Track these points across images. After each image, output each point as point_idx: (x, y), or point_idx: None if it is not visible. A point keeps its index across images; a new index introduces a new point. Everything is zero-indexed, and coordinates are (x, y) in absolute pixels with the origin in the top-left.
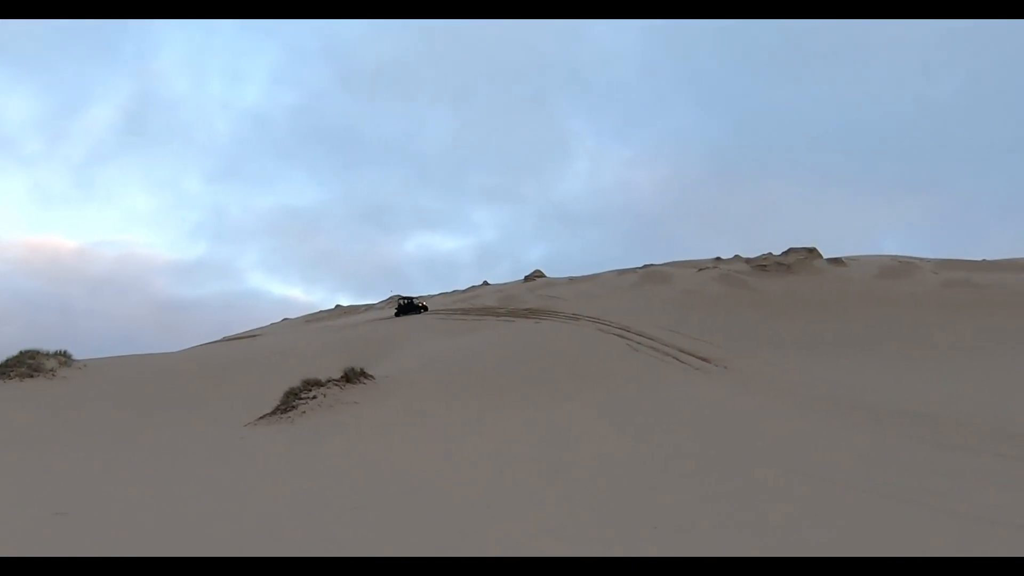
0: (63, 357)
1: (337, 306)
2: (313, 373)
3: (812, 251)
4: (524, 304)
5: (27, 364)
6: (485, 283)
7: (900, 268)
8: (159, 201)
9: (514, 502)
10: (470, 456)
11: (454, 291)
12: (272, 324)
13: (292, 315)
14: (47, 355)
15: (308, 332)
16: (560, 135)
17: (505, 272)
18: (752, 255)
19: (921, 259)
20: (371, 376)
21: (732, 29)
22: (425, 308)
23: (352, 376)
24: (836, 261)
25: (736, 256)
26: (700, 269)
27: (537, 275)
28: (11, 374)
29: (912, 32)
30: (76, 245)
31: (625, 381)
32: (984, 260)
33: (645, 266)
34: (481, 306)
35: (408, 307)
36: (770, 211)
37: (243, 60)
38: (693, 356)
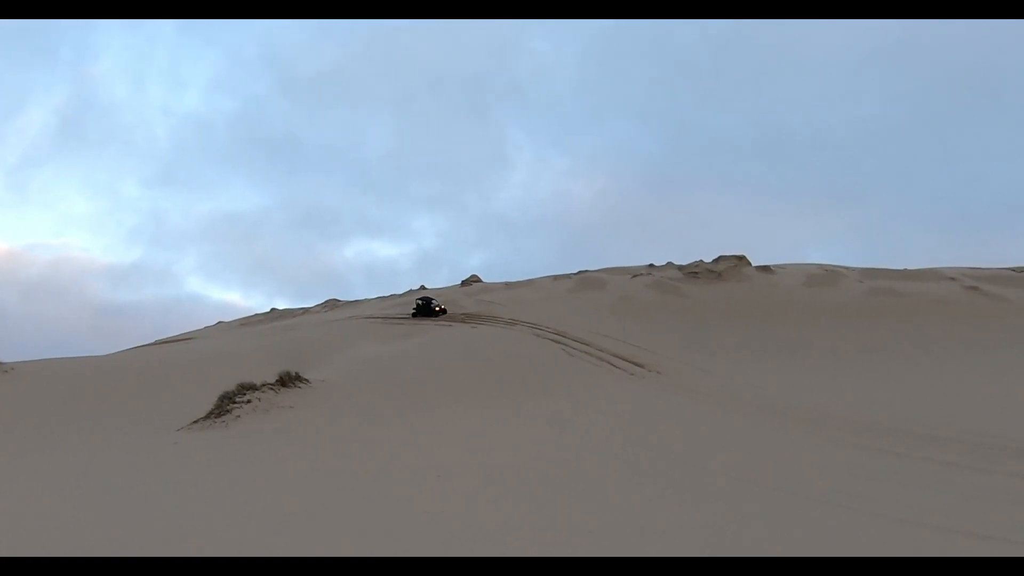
0: None
1: (273, 309)
2: (248, 377)
3: (742, 259)
4: (461, 308)
5: None
6: (423, 287)
7: (827, 276)
8: (96, 205)
9: (448, 507)
10: (406, 462)
11: (392, 295)
12: (206, 327)
13: (227, 318)
14: None
15: (243, 335)
16: (499, 146)
17: (444, 278)
18: (684, 262)
19: (847, 268)
20: (307, 380)
21: (667, 44)
22: (443, 311)
23: (287, 380)
24: (765, 269)
25: (669, 263)
26: (634, 276)
27: (474, 280)
28: None
29: (839, 51)
30: (7, 248)
31: (560, 387)
32: (906, 269)
33: (580, 272)
34: None
35: (425, 308)
36: (701, 221)
37: (184, 65)
38: (627, 361)
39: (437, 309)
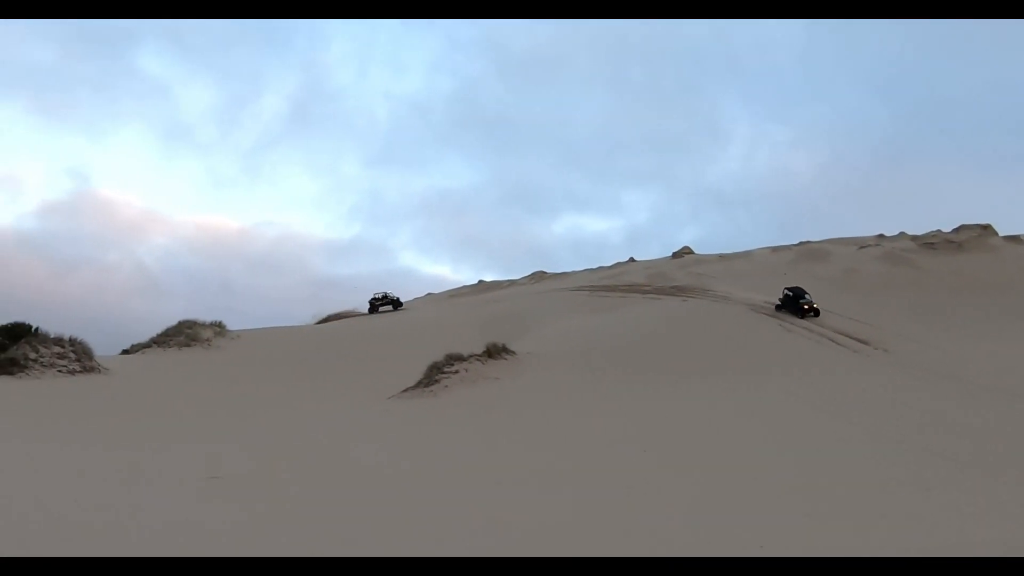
0: (218, 328)
1: (480, 281)
2: (456, 348)
3: (987, 228)
4: (672, 281)
5: (185, 334)
6: (631, 259)
7: None
8: (319, 184)
9: (653, 487)
10: (611, 436)
11: (599, 267)
12: (416, 299)
13: (436, 291)
14: (203, 325)
15: (451, 307)
16: (714, 119)
17: (655, 252)
18: (919, 232)
19: None
20: (513, 352)
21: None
22: (815, 311)
23: (494, 352)
24: (1014, 239)
25: (901, 233)
26: (861, 247)
27: (686, 252)
28: (170, 343)
29: None
30: (239, 225)
31: (774, 366)
32: None
33: (801, 243)
34: (627, 283)
35: (791, 303)
36: (939, 194)
37: (405, 50)
38: (850, 338)
39: (806, 308)
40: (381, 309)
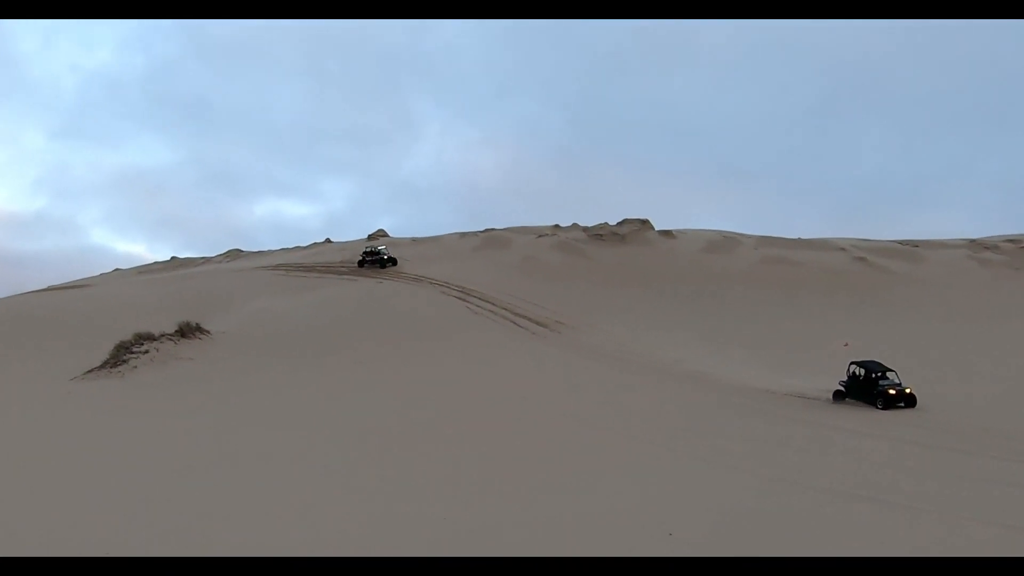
0: None
1: (173, 258)
2: (146, 327)
3: (645, 223)
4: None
5: None
6: (328, 240)
7: (724, 243)
8: None
9: (326, 461)
10: (303, 419)
11: (296, 247)
12: (103, 274)
13: (125, 266)
14: None
15: (141, 284)
16: (408, 116)
17: (351, 236)
18: (589, 224)
19: (744, 235)
20: (207, 331)
21: (570, 32)
22: (393, 261)
23: (187, 331)
24: (667, 233)
25: (574, 224)
26: (539, 236)
27: (380, 234)
28: None
29: (729, 45)
30: None
31: (460, 345)
32: (799, 239)
33: (487, 230)
34: (324, 263)
35: (372, 256)
36: (605, 193)
37: (94, 26)
38: (530, 320)
39: (386, 258)
40: (368, 262)
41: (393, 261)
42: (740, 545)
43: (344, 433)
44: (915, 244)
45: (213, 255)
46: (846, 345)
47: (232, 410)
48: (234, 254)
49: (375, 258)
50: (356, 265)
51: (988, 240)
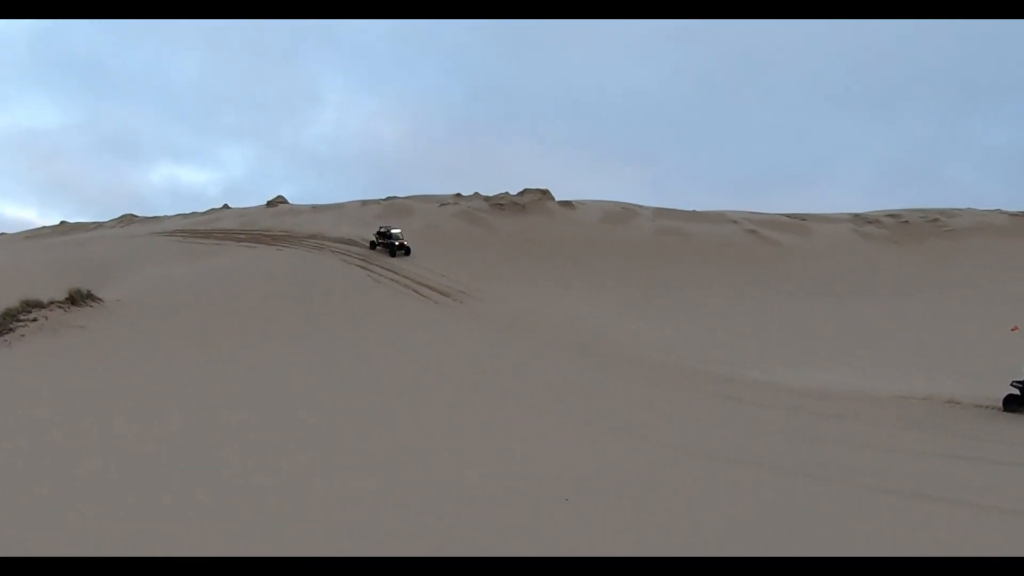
0: None
1: (63, 222)
2: (34, 293)
3: (545, 193)
4: (267, 231)
5: None
6: (226, 206)
7: (623, 214)
8: None
9: (226, 437)
10: (199, 391)
11: (193, 213)
12: None
13: (12, 231)
14: None
15: (29, 249)
16: (310, 85)
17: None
18: (490, 194)
19: (641, 207)
20: (100, 299)
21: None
22: (406, 249)
23: (79, 298)
24: (567, 204)
25: (476, 193)
26: (441, 204)
27: (280, 201)
28: None
29: (622, 30)
30: None
31: (361, 314)
32: (694, 211)
33: (389, 198)
34: (221, 229)
35: (385, 239)
36: (507, 164)
37: None
38: (432, 290)
39: (397, 244)
40: (380, 245)
41: (407, 250)
42: (635, 513)
43: (235, 410)
44: (803, 218)
45: (106, 220)
46: (1014, 329)
47: (119, 384)
48: (128, 219)
49: (387, 242)
50: (368, 246)
51: (870, 215)
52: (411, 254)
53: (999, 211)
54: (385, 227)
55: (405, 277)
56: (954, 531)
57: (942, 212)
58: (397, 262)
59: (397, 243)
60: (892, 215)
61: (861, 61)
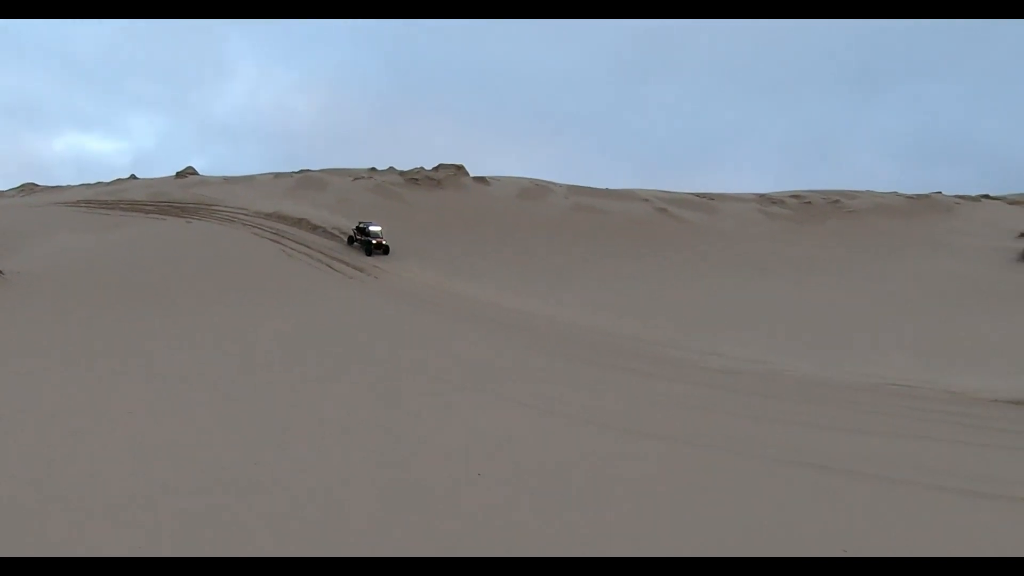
0: None
1: None
2: None
3: (460, 168)
4: (176, 202)
5: None
6: (133, 176)
7: (537, 190)
8: None
9: (150, 409)
10: (107, 369)
11: (98, 183)
12: None
13: None
14: None
15: None
16: (221, 56)
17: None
18: (405, 168)
19: (555, 184)
20: (0, 271)
21: None
22: (384, 248)
23: None
24: (481, 180)
25: (391, 168)
26: (355, 178)
27: (189, 172)
28: None
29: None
30: None
31: (272, 289)
32: (608, 189)
33: (302, 171)
34: (128, 199)
35: (363, 236)
36: (421, 139)
37: None
38: (346, 264)
39: (374, 243)
40: (357, 241)
41: (385, 250)
42: (550, 489)
43: (142, 383)
44: (711, 197)
45: (5, 189)
46: None
47: (15, 362)
48: (29, 188)
49: (364, 239)
50: (345, 242)
51: (775, 195)
52: (389, 254)
53: (895, 193)
54: (364, 223)
55: (318, 251)
56: (818, 493)
57: (842, 194)
58: (310, 237)
59: (374, 241)
60: (795, 196)
61: (764, 47)
